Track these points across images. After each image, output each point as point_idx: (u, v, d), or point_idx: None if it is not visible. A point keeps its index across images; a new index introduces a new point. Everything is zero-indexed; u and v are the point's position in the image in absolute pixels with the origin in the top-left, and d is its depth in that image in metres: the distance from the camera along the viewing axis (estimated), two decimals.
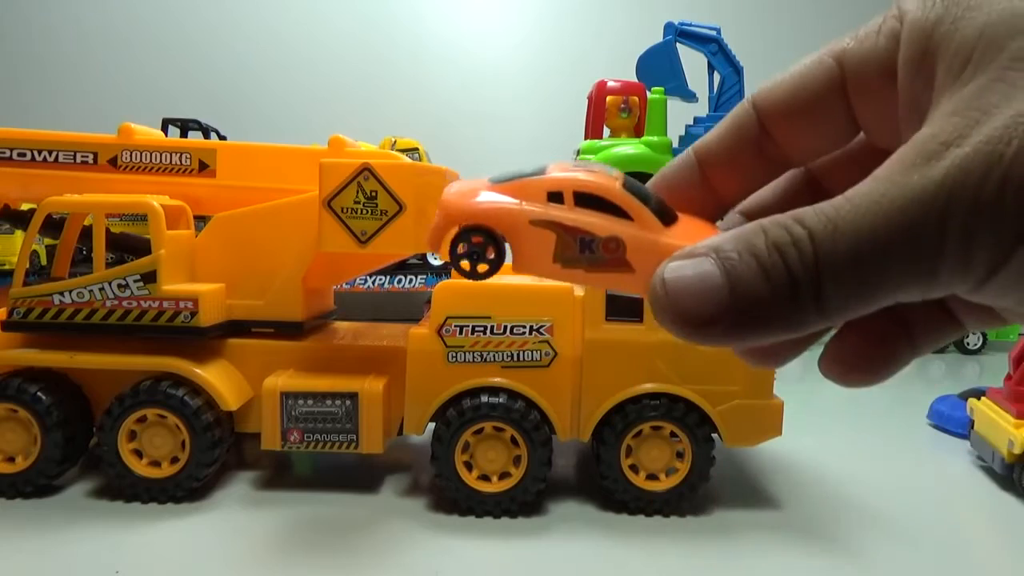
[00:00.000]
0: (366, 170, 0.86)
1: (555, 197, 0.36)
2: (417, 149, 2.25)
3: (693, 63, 1.04)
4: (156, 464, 0.91)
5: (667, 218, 0.34)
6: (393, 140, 2.29)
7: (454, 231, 0.37)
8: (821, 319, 0.26)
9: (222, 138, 2.27)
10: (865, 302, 0.26)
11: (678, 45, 0.99)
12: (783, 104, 0.32)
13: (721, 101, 1.00)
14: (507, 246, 0.36)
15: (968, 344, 2.23)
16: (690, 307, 0.26)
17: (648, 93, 0.96)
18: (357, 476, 1.01)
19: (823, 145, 0.32)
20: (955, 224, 0.23)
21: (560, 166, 0.36)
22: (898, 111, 0.29)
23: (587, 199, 0.37)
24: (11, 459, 0.91)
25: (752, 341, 0.27)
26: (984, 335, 2.23)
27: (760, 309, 0.26)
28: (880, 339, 0.31)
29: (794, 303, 0.25)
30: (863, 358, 0.31)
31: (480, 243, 0.37)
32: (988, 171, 0.23)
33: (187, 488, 0.90)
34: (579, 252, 0.35)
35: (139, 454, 0.91)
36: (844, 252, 0.25)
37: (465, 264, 0.36)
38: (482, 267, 0.36)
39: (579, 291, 0.89)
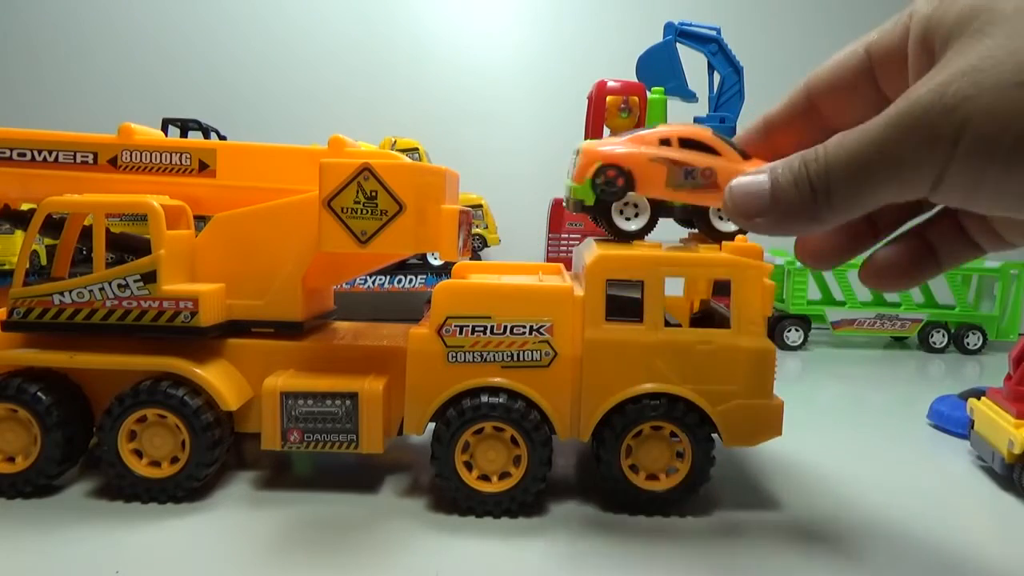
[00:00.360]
0: (366, 170, 0.86)
1: (665, 142, 0.57)
2: (417, 149, 2.26)
3: (693, 64, 1.04)
4: (156, 464, 0.91)
5: (745, 156, 0.51)
6: (393, 140, 2.29)
7: (594, 168, 0.60)
8: (832, 215, 0.39)
9: (222, 138, 2.27)
10: (859, 201, 0.38)
11: (678, 45, 0.99)
12: (827, 84, 0.45)
13: (721, 101, 1.00)
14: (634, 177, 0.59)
15: (968, 344, 2.23)
16: (743, 205, 0.41)
17: (648, 93, 0.96)
18: (357, 476, 1.01)
19: (857, 114, 0.43)
20: (910, 142, 0.35)
21: (665, 125, 0.57)
22: (909, 82, 0.39)
23: (688, 142, 0.57)
24: (11, 459, 0.91)
25: (790, 232, 0.41)
26: (984, 335, 2.22)
27: (791, 208, 0.39)
28: (912, 256, 0.44)
29: (813, 203, 0.38)
30: (897, 270, 0.44)
31: (613, 176, 0.60)
32: (932, 105, 0.34)
33: (187, 488, 0.90)
34: (684, 179, 0.57)
35: (139, 454, 0.91)
36: (844, 161, 0.37)
37: (603, 189, 0.61)
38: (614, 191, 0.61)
39: (579, 291, 0.89)
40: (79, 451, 0.95)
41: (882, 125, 0.36)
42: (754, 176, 0.41)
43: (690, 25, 1.02)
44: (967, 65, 0.34)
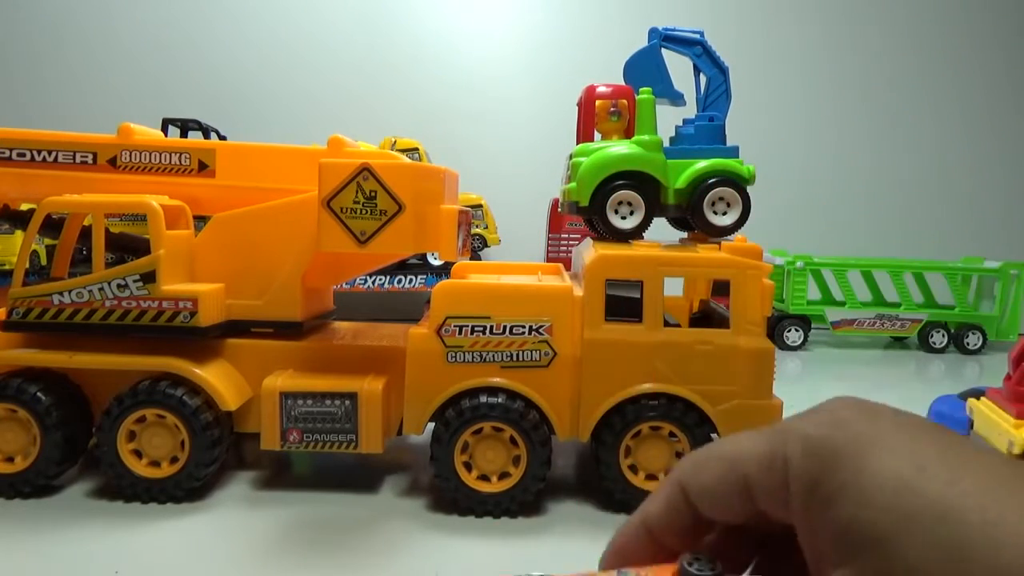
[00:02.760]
0: (365, 170, 0.86)
1: None
2: (417, 149, 2.26)
3: (679, 67, 1.04)
4: (156, 464, 0.91)
5: None
6: (393, 140, 2.29)
7: None
8: None
9: (222, 138, 2.27)
10: None
11: (663, 50, 1.00)
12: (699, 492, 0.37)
13: (709, 102, 1.00)
14: None
15: (968, 344, 2.23)
16: None
17: (636, 95, 0.96)
18: (357, 476, 1.01)
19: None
20: None
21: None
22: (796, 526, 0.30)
23: None
24: (10, 459, 0.91)
25: None
26: (984, 335, 2.22)
27: None
28: None
29: None
30: None
31: None
32: None
33: (187, 488, 0.90)
34: None
35: (138, 454, 0.91)
36: None
37: None
38: None
39: (578, 291, 0.89)
40: (78, 451, 0.95)
41: None
42: None
43: (674, 30, 1.02)
44: None
